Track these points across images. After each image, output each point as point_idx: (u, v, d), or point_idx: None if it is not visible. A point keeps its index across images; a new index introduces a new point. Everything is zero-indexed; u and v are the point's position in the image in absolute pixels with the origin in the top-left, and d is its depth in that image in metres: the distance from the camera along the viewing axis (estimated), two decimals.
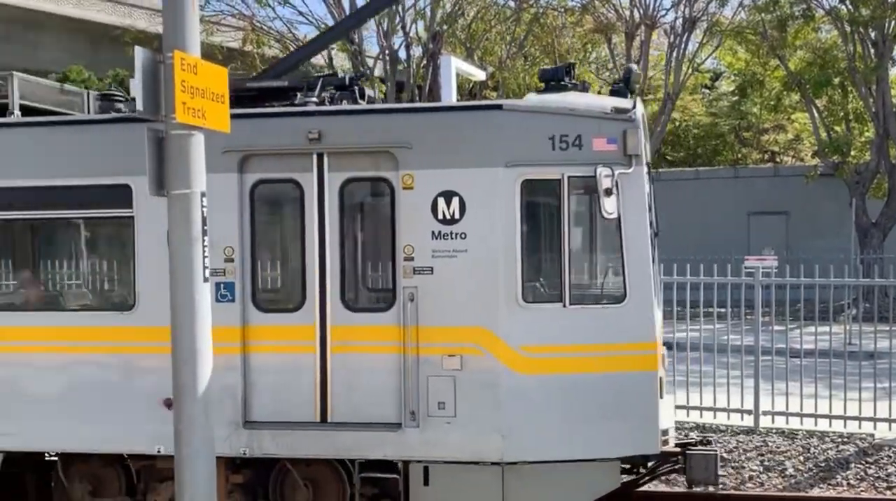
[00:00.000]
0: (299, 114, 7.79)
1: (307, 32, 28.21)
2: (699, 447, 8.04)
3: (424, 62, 26.82)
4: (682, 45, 27.15)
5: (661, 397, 7.40)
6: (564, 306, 7.31)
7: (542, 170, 7.31)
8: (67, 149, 8.06)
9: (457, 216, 7.38)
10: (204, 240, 6.71)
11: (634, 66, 8.35)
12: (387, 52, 26.61)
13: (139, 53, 6.36)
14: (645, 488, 9.08)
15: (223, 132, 6.67)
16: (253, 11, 26.89)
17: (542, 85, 7.78)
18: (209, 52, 7.22)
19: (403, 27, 26.64)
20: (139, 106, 6.35)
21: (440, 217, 7.40)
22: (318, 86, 8.14)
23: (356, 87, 8.23)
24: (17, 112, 8.51)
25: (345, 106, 8.10)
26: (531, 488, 7.30)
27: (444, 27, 26.06)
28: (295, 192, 7.73)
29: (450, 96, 13.98)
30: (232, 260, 7.68)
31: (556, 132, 7.26)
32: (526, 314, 7.32)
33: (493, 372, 7.30)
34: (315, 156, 7.65)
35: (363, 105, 8.11)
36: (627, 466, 8.16)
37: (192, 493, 6.47)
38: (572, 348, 7.28)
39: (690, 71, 28.39)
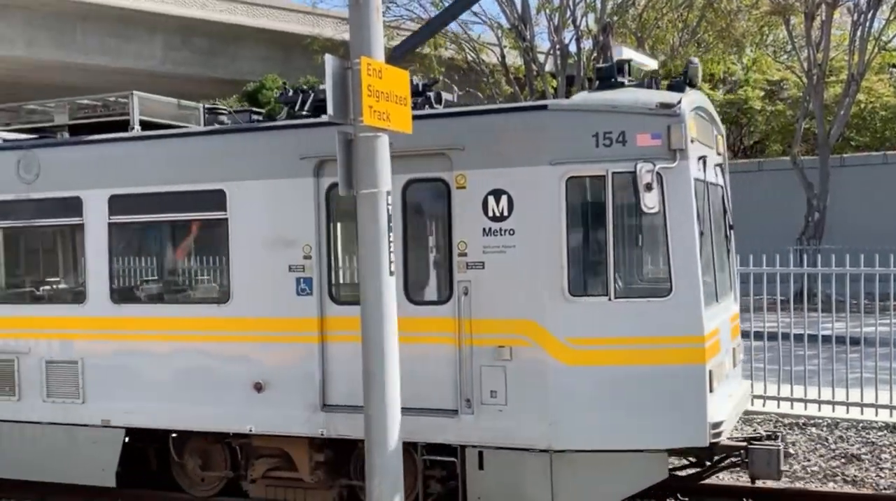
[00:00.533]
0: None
1: (481, 32, 28.44)
2: (764, 441, 7.85)
3: (595, 54, 26.50)
4: (867, 23, 25.42)
5: (712, 390, 7.22)
6: (610, 299, 7.26)
7: (586, 166, 7.27)
8: (172, 159, 8.65)
9: (505, 213, 7.48)
10: (389, 236, 6.88)
11: (695, 60, 8.14)
12: (557, 46, 26.44)
13: (329, 61, 6.55)
14: (711, 481, 8.82)
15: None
16: (429, 14, 27.35)
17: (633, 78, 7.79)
18: (390, 57, 7.38)
19: (574, 21, 26.38)
20: (329, 110, 6.55)
21: (490, 214, 7.51)
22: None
23: (429, 93, 8.38)
24: (136, 127, 9.14)
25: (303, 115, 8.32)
26: (578, 475, 7.31)
27: (615, 18, 25.56)
28: (376, 197, 7.74)
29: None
30: (309, 257, 8.02)
31: (600, 129, 7.22)
32: (572, 307, 7.31)
33: (541, 362, 7.34)
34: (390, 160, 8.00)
35: (422, 110, 8.18)
36: (693, 459, 8.08)
37: (380, 478, 6.65)
38: (618, 341, 7.23)
39: (876, 50, 26.52)
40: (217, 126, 8.91)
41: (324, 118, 7.79)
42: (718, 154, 8.69)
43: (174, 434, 8.73)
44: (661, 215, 7.14)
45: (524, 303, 7.37)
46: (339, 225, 8.15)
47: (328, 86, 6.55)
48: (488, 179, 7.51)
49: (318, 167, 8.00)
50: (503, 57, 27.52)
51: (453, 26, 27.54)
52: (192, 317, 8.51)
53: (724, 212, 8.89)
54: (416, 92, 8.32)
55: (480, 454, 7.53)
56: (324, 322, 7.98)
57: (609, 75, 7.76)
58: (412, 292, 7.88)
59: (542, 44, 29.13)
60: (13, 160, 9.12)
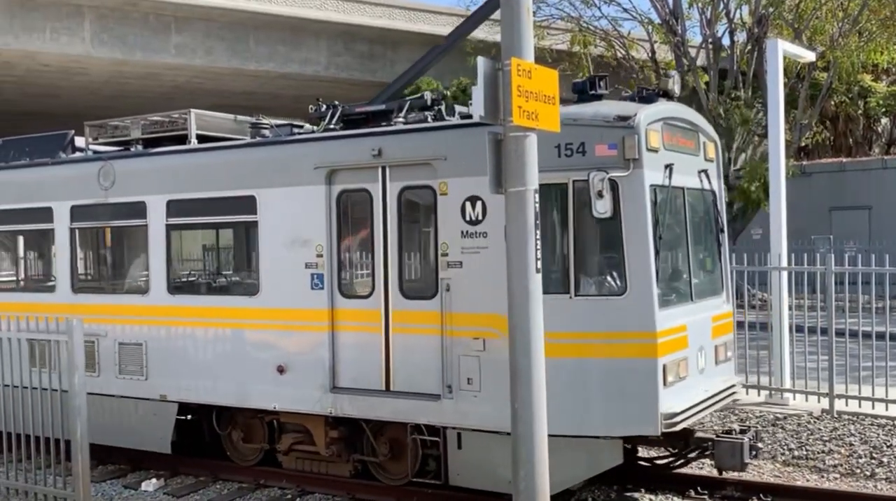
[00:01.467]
0: (365, 135, 8.68)
1: (631, 28, 27.77)
2: (731, 435, 8.14)
3: (749, 47, 25.37)
4: None
5: (666, 384, 7.47)
6: (571, 297, 7.63)
7: (551, 175, 7.45)
8: (213, 169, 9.54)
9: (480, 218, 7.96)
10: (536, 234, 6.78)
11: (673, 73, 8.69)
12: (710, 40, 25.49)
13: (481, 63, 6.53)
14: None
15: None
16: (580, 13, 26.95)
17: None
18: (539, 56, 7.32)
19: (727, 13, 25.35)
20: (480, 111, 6.52)
21: (467, 218, 8.01)
22: (406, 108, 8.91)
23: (437, 107, 8.85)
24: (193, 140, 9.98)
25: (395, 126, 8.77)
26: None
27: (770, 10, 24.37)
28: (367, 199, 8.62)
29: (776, 81, 13.01)
30: (321, 256, 8.73)
31: (563, 141, 7.55)
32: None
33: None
34: (380, 169, 8.53)
35: (413, 124, 8.71)
36: (674, 450, 8.57)
37: (526, 470, 6.58)
38: (578, 335, 7.57)
39: None
40: (247, 139, 9.70)
41: (334, 131, 9.07)
42: (708, 160, 8.93)
43: (222, 409, 9.59)
44: (617, 219, 7.48)
45: (495, 299, 7.54)
46: (347, 227, 8.81)
47: (479, 87, 6.53)
48: (466, 186, 7.98)
49: (330, 175, 8.75)
50: (653, 52, 26.78)
51: (603, 23, 27.11)
52: (230, 307, 9.40)
53: (713, 215, 9.07)
54: (425, 106, 8.94)
55: (459, 435, 8.06)
56: (334, 313, 8.69)
57: (583, 89, 8.13)
58: (406, 288, 8.45)
59: (694, 38, 28.16)
60: (95, 170, 10.21)
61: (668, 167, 7.91)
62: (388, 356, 8.49)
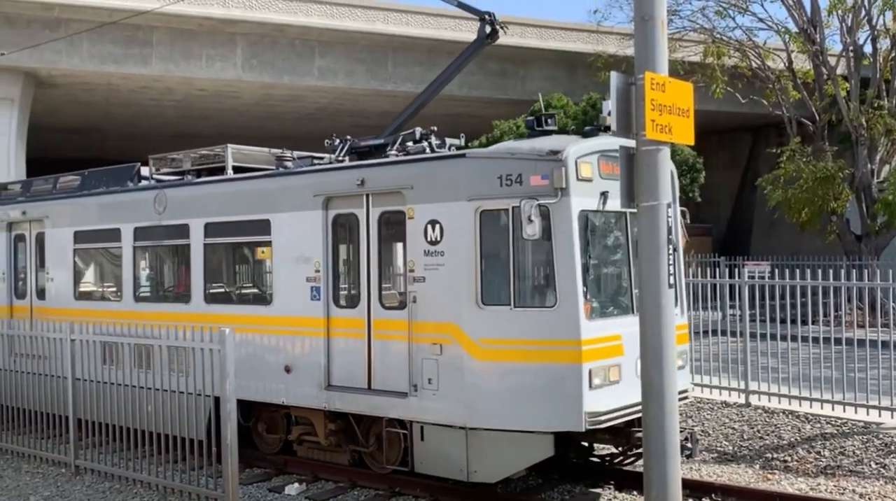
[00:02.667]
0: (352, 167, 9.75)
1: (767, 38, 26.68)
2: None
3: (893, 55, 23.92)
4: None
5: (592, 386, 8.08)
6: (511, 308, 8.38)
7: (494, 202, 8.44)
8: (238, 196, 10.74)
9: (439, 239, 8.79)
10: (669, 248, 6.55)
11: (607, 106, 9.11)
12: (850, 48, 24.19)
13: (614, 77, 6.38)
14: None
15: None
16: (713, 24, 26.13)
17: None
18: (672, 69, 7.15)
19: (869, 20, 24.00)
20: (613, 125, 6.37)
21: (429, 239, 8.84)
22: (399, 142, 9.97)
23: (425, 141, 9.81)
24: (230, 171, 11.17)
25: (375, 159, 9.78)
26: (485, 449, 8.47)
27: None
28: (355, 222, 9.58)
29: None
30: (319, 271, 9.74)
31: (504, 172, 8.39)
32: (483, 313, 8.49)
33: (460, 357, 8.52)
34: (364, 197, 9.47)
35: (386, 158, 9.74)
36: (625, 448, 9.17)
37: (658, 490, 6.33)
38: (516, 341, 8.29)
39: None
40: (262, 171, 10.95)
41: (329, 164, 10.21)
42: (675, 193, 9.51)
43: (248, 403, 10.31)
44: (548, 241, 8.24)
45: (450, 310, 8.63)
46: (340, 246, 9.80)
47: (612, 101, 6.39)
48: (428, 211, 8.87)
49: (326, 202, 9.75)
50: (790, 62, 25.64)
51: (737, 33, 26.17)
52: (251, 314, 10.53)
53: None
54: (415, 140, 9.90)
55: (422, 428, 8.84)
56: (329, 321, 9.67)
57: (531, 125, 9.09)
58: (384, 300, 9.39)
59: (833, 46, 26.82)
60: (151, 197, 11.57)
61: (604, 194, 8.55)
62: (370, 358, 9.38)
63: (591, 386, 8.06)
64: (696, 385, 12.41)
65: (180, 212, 11.21)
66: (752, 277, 12.88)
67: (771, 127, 33.73)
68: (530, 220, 7.93)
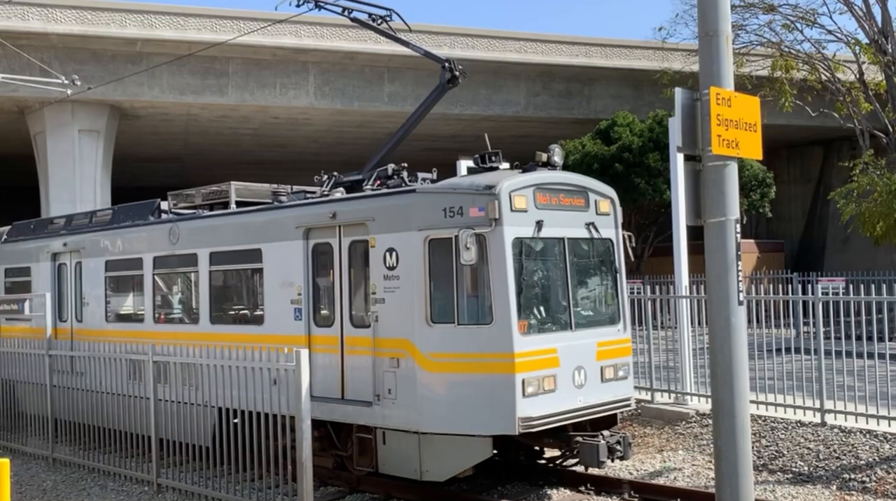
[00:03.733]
0: (325, 202, 10.62)
1: (836, 50, 25.98)
2: (589, 438, 9.45)
3: None
4: None
5: (525, 395, 8.79)
6: (455, 325, 9.17)
7: (440, 231, 9.23)
8: (235, 228, 11.67)
9: (395, 264, 9.58)
10: (738, 266, 6.36)
11: (554, 147, 10.13)
12: None
13: (678, 93, 6.26)
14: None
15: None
16: (780, 37, 25.57)
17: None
18: (739, 84, 6.99)
19: None
20: (678, 142, 6.23)
21: (387, 265, 9.63)
22: (373, 177, 10.81)
23: (396, 176, 10.56)
24: (233, 205, 12.20)
25: (344, 195, 10.69)
26: (436, 451, 9.12)
27: None
28: (330, 250, 10.35)
29: None
30: (301, 294, 10.51)
31: (448, 205, 9.24)
32: (432, 330, 9.24)
33: (413, 370, 9.22)
34: (337, 228, 10.25)
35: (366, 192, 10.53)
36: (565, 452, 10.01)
37: None
38: (460, 355, 9.00)
39: None
40: (253, 207, 11.85)
41: (307, 200, 11.04)
42: (600, 214, 10.23)
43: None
44: (485, 266, 9.03)
45: (405, 327, 9.39)
46: (318, 272, 10.54)
47: (676, 118, 6.26)
48: (386, 240, 9.67)
49: (306, 232, 10.55)
50: (861, 73, 24.88)
51: (805, 46, 25.54)
52: (246, 333, 11.27)
53: (608, 258, 10.43)
54: (387, 175, 10.66)
55: (384, 433, 9.49)
56: (310, 338, 10.41)
57: (477, 163, 10.12)
58: (353, 319, 10.08)
59: None
60: (167, 229, 12.52)
61: (539, 222, 9.38)
62: (343, 371, 10.07)
63: (524, 395, 8.81)
64: (769, 404, 12.10)
65: (190, 243, 12.20)
66: (826, 293, 12.47)
67: (843, 139, 32.78)
68: (467, 248, 8.81)
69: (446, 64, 11.14)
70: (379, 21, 12.07)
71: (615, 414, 10.27)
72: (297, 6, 11.67)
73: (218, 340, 10.98)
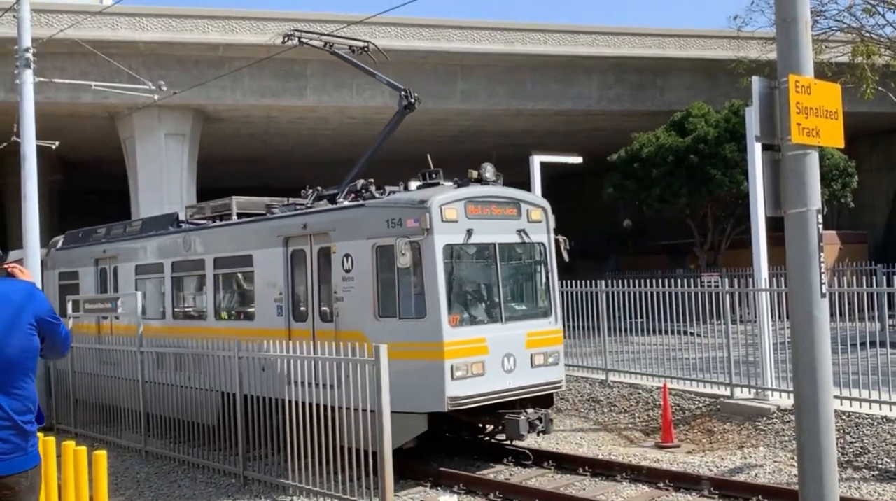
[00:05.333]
0: (298, 215, 12.21)
1: None
2: (512, 414, 10.76)
3: None
4: None
5: (454, 378, 10.01)
6: (398, 319, 10.59)
7: (384, 239, 10.60)
8: (232, 237, 13.31)
9: (350, 268, 11.06)
10: (820, 257, 6.11)
11: (486, 165, 11.53)
12: None
13: (756, 82, 6.05)
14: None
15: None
16: (861, 22, 24.59)
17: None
18: (818, 71, 6.74)
19: None
20: (756, 131, 6.02)
21: (344, 268, 11.11)
22: (345, 191, 12.10)
23: (364, 190, 11.78)
24: (234, 217, 13.62)
25: (315, 207, 12.22)
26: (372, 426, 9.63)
27: None
28: (303, 256, 11.84)
29: None
30: (281, 294, 12.05)
31: (390, 217, 10.68)
32: (379, 323, 10.69)
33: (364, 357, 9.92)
34: (308, 237, 11.75)
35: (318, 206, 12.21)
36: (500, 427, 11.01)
37: None
38: (402, 344, 10.00)
39: None
40: (245, 219, 13.35)
41: (285, 213, 12.62)
42: (532, 222, 11.54)
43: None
44: (420, 268, 10.39)
45: (358, 321, 10.90)
46: (295, 274, 12.03)
47: (754, 107, 6.06)
48: (344, 247, 11.16)
49: (286, 240, 12.10)
50: None
51: (888, 30, 24.49)
52: (242, 328, 12.71)
53: (540, 260, 11.73)
54: (357, 190, 11.92)
55: (346, 411, 9.98)
56: (290, 332, 11.84)
57: (422, 179, 11.56)
58: (321, 314, 11.48)
59: None
60: (181, 238, 14.22)
61: (470, 230, 10.73)
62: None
63: (453, 378, 10.00)
64: (853, 399, 11.64)
65: (199, 250, 13.88)
66: None
67: None
68: (402, 254, 10.13)
69: (403, 92, 12.36)
70: (359, 52, 13.50)
71: (551, 395, 11.59)
72: (283, 42, 13.25)
73: (221, 334, 12.32)
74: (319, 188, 12.65)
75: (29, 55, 16.09)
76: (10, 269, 4.33)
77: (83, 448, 5.30)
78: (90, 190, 39.83)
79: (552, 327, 11.64)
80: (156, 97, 18.75)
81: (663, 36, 30.13)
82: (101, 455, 5.17)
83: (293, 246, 12.03)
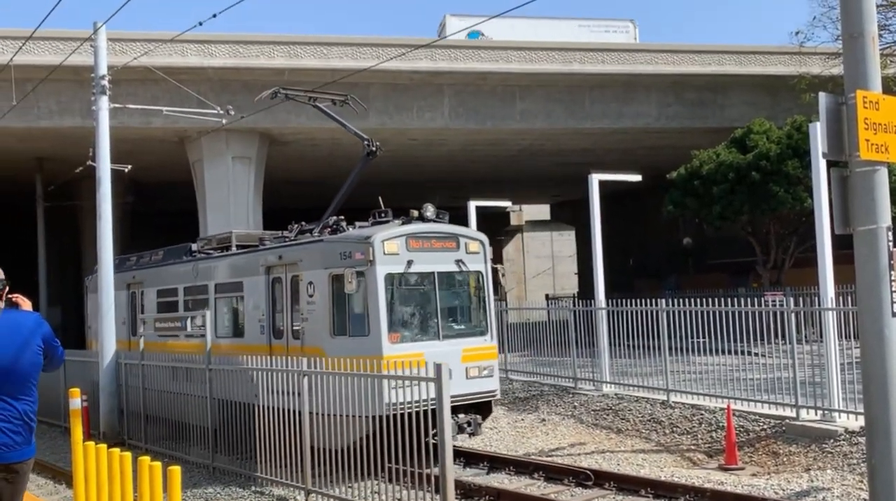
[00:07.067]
0: (275, 248, 14.17)
1: None
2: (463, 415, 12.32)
3: None
4: None
5: (392, 386, 10.38)
6: (348, 337, 12.40)
7: (338, 270, 12.34)
8: (227, 266, 15.42)
9: (313, 293, 12.78)
10: (891, 275, 5.91)
11: (427, 205, 13.08)
12: None
13: (823, 98, 5.91)
14: None
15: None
16: None
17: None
18: (884, 86, 6.53)
19: None
20: (824, 148, 5.87)
21: (309, 294, 12.85)
22: (321, 226, 13.76)
23: (335, 225, 13.42)
24: (234, 248, 15.54)
25: (287, 242, 14.16)
26: (336, 428, 10.60)
27: None
28: (281, 282, 13.65)
29: None
30: (264, 315, 13.91)
31: (342, 251, 12.46)
32: (334, 340, 12.44)
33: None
34: (284, 266, 13.59)
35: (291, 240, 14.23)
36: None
37: None
38: (353, 358, 10.62)
39: None
40: (234, 251, 15.43)
41: (272, 244, 14.60)
42: (470, 253, 13.13)
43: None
44: (364, 294, 12.15)
45: (318, 339, 12.62)
46: (275, 298, 13.83)
47: (821, 123, 5.92)
48: (308, 275, 12.93)
49: (267, 269, 13.95)
50: None
51: None
52: (235, 344, 14.42)
53: (477, 285, 13.28)
54: (327, 226, 13.57)
55: (311, 414, 10.93)
56: (271, 347, 13.61)
57: (372, 217, 13.24)
58: (294, 333, 13.13)
59: None
60: (191, 267, 16.31)
61: (410, 261, 12.41)
62: None
63: (391, 387, 10.46)
64: None
65: (204, 277, 15.85)
66: None
67: None
68: (349, 281, 11.88)
69: (367, 141, 14.16)
70: (340, 103, 15.26)
71: (489, 402, 13.00)
72: (272, 98, 15.46)
73: (221, 351, 14.12)
74: (303, 223, 14.50)
75: (105, 82, 16.65)
76: (14, 299, 5.23)
77: (158, 464, 5.39)
78: (161, 211, 40.88)
79: (487, 344, 13.13)
80: (223, 121, 19.20)
81: (723, 52, 29.69)
82: (176, 470, 5.26)
83: (273, 274, 13.90)
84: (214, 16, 13.86)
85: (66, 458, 14.83)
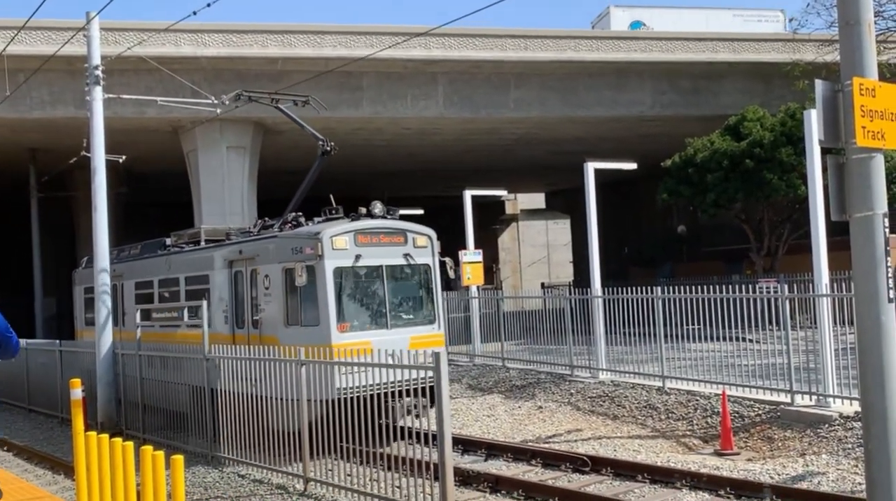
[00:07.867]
0: (236, 243, 14.98)
1: None
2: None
3: None
4: None
5: (341, 372, 11.03)
6: (301, 326, 13.15)
7: (290, 264, 13.02)
8: (195, 260, 16.17)
9: (269, 285, 13.63)
10: (887, 261, 5.95)
11: (375, 202, 13.86)
12: None
13: (819, 85, 5.92)
14: None
15: None
16: None
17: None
18: (879, 73, 6.56)
19: None
20: (820, 135, 5.89)
21: (265, 286, 13.70)
22: (281, 222, 14.46)
23: (294, 221, 14.21)
24: (203, 243, 16.48)
25: (245, 237, 15.08)
26: (294, 411, 10.94)
27: None
28: (242, 275, 14.48)
29: None
30: (227, 306, 14.70)
31: (294, 246, 13.19)
32: (288, 330, 13.22)
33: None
34: (244, 261, 14.42)
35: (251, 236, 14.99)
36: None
37: None
38: (305, 347, 11.06)
39: None
40: (202, 245, 16.38)
41: (234, 240, 15.43)
42: (417, 247, 13.83)
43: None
44: (314, 287, 12.82)
45: (273, 328, 13.46)
46: (237, 290, 14.66)
47: (817, 110, 5.92)
48: (265, 269, 13.75)
49: (230, 263, 14.86)
50: None
51: None
52: (201, 333, 13.75)
53: (425, 277, 13.99)
54: (287, 221, 14.29)
55: (268, 400, 11.45)
56: (234, 336, 14.47)
57: (324, 215, 13.98)
58: (253, 323, 13.97)
59: None
60: (164, 260, 17.18)
61: (358, 256, 13.13)
62: None
63: (340, 372, 11.03)
64: None
65: (175, 270, 16.66)
66: None
67: None
68: (300, 275, 12.53)
69: (322, 141, 14.93)
70: (301, 104, 15.88)
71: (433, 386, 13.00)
72: (236, 100, 16.04)
73: (191, 338, 14.58)
74: (266, 219, 15.46)
75: (98, 72, 16.57)
76: None
77: (160, 453, 5.41)
78: (155, 201, 40.76)
79: (435, 332, 13.90)
80: (218, 111, 19.11)
81: (717, 40, 29.68)
82: (178, 459, 5.27)
83: (235, 267, 14.70)
84: (208, 5, 13.73)
85: (63, 448, 14.88)
